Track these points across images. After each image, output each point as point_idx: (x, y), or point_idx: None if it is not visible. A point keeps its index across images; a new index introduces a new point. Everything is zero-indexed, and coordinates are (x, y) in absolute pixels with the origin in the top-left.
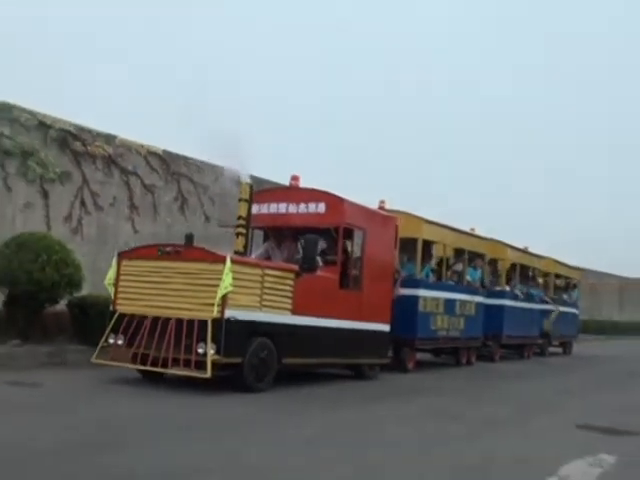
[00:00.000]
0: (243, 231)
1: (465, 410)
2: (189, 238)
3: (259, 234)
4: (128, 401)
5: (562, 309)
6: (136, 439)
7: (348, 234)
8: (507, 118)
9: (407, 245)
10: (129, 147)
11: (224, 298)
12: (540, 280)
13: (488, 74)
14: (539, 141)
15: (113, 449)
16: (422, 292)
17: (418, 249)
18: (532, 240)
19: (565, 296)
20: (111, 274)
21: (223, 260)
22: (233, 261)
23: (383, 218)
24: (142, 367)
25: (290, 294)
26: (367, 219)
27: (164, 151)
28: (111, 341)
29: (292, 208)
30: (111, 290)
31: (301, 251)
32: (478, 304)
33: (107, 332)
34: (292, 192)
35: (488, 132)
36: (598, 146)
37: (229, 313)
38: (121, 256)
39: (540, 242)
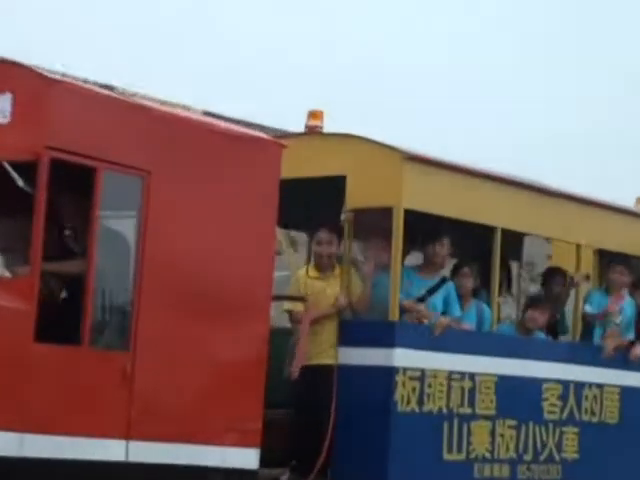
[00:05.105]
0: None
1: None
2: None
3: None
4: None
5: None
6: None
7: (74, 184)
8: None
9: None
10: None
11: None
12: None
13: None
14: None
15: None
16: (402, 356)
17: (395, 234)
18: None
19: None
20: None
21: None
22: None
23: (235, 142)
24: None
25: None
26: (163, 141)
27: None
28: None
29: None
30: None
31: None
32: (632, 391)
33: None
34: None
35: None
36: None
37: None
38: None
39: None
